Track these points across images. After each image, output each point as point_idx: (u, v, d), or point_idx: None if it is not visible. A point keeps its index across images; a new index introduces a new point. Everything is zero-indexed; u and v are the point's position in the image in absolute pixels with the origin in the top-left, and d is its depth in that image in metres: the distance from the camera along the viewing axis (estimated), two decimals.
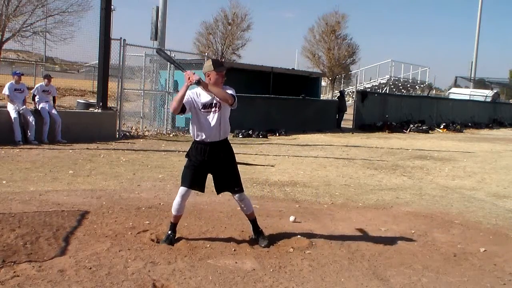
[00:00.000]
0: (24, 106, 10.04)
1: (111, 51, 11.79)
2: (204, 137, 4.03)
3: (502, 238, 4.94)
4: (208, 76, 3.96)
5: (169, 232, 4.20)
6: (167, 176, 7.25)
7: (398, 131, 19.33)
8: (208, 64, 3.97)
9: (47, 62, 24.74)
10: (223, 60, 29.91)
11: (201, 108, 3.99)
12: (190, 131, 4.19)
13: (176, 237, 4.21)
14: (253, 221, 4.32)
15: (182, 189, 4.10)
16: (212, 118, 3.99)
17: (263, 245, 4.15)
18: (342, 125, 19.20)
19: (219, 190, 4.23)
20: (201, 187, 4.17)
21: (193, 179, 4.08)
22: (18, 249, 3.74)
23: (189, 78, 3.82)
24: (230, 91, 3.94)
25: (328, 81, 37.02)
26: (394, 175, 8.49)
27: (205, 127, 4.00)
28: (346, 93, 24.50)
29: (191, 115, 4.08)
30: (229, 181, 4.15)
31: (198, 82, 3.83)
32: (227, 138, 4.18)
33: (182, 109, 3.93)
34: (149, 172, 7.49)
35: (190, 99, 3.98)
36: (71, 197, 5.59)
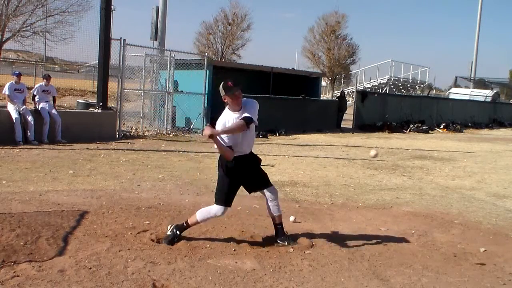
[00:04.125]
0: (24, 106, 10.04)
1: (111, 51, 11.78)
2: (243, 152, 4.11)
3: (502, 238, 4.94)
4: (225, 100, 4.01)
5: (178, 232, 4.18)
6: (167, 176, 7.25)
7: (398, 131, 19.32)
8: (220, 89, 4.00)
9: (47, 62, 24.78)
10: (223, 59, 29.95)
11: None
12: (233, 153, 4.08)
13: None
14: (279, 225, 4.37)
15: (220, 209, 4.11)
16: (249, 135, 4.10)
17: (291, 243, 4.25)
18: (342, 125, 19.19)
19: (254, 189, 4.32)
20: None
21: (232, 197, 4.15)
22: (18, 249, 3.74)
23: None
24: (246, 113, 3.95)
25: (328, 81, 37.04)
26: (394, 175, 8.49)
27: (245, 144, 4.10)
28: (346, 93, 24.50)
29: (230, 138, 4.00)
30: (263, 178, 4.27)
31: (211, 136, 3.75)
32: None
33: (230, 146, 3.97)
34: (149, 172, 7.49)
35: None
36: (71, 197, 5.59)
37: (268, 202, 4.29)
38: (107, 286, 3.21)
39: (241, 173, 4.13)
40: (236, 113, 3.98)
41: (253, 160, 4.25)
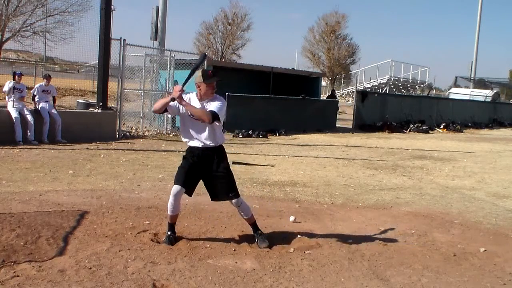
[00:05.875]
0: (23, 106, 10.03)
1: (111, 51, 11.78)
2: (193, 143, 4.09)
3: (502, 238, 4.94)
4: (199, 87, 4.01)
5: (169, 233, 4.20)
6: (167, 176, 7.24)
7: (398, 131, 19.31)
8: (198, 75, 3.99)
9: (47, 62, 24.74)
10: (223, 59, 29.98)
11: (189, 114, 4.03)
12: (181, 136, 4.24)
13: (176, 237, 4.21)
14: (253, 225, 4.32)
15: (174, 188, 4.09)
16: (200, 125, 4.02)
17: (262, 247, 4.14)
18: (342, 125, 19.20)
19: (213, 197, 4.22)
20: (190, 190, 4.14)
21: (185, 179, 4.08)
22: (18, 249, 3.74)
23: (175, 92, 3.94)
24: (214, 107, 3.94)
25: (328, 81, 37.07)
26: (394, 175, 8.49)
27: (194, 134, 4.07)
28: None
29: (180, 120, 4.15)
30: (223, 187, 4.13)
31: (173, 99, 3.91)
32: (220, 145, 4.18)
33: (164, 110, 4.07)
34: (149, 172, 7.49)
35: (177, 104, 4.03)
36: (71, 197, 5.59)
37: (237, 209, 4.28)
38: (107, 286, 3.21)
39: (194, 165, 4.08)
40: (203, 102, 4.00)
41: (213, 159, 4.10)
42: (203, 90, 3.99)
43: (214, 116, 3.89)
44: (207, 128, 4.03)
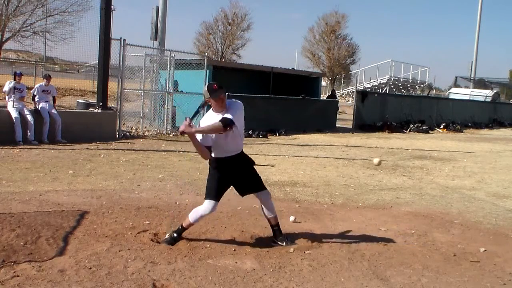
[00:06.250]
0: (23, 106, 10.03)
1: (111, 51, 11.78)
2: (230, 154, 4.12)
3: (502, 238, 4.94)
4: (209, 101, 4.04)
5: (175, 235, 4.18)
6: (167, 176, 7.25)
7: (398, 131, 19.31)
8: (204, 91, 4.00)
9: (47, 62, 24.74)
10: (223, 59, 29.99)
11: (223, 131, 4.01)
12: (215, 154, 4.16)
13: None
14: (276, 226, 4.36)
15: (210, 204, 4.08)
16: (235, 137, 4.05)
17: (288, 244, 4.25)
18: (342, 125, 19.19)
19: (243, 192, 4.29)
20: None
21: (219, 193, 4.13)
22: (18, 249, 3.74)
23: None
24: (228, 114, 3.92)
25: (328, 81, 37.08)
26: (394, 175, 8.49)
27: (231, 147, 4.10)
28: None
29: (212, 141, 4.07)
30: (255, 181, 4.24)
31: (182, 133, 3.84)
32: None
33: (208, 147, 4.02)
34: (149, 172, 7.49)
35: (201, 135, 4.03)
36: (71, 197, 5.59)
37: (262, 204, 4.31)
38: (107, 286, 3.22)
39: (228, 174, 4.13)
40: (219, 114, 3.98)
41: (243, 162, 4.22)
42: (213, 104, 4.01)
43: (225, 122, 3.87)
44: (239, 137, 4.09)
